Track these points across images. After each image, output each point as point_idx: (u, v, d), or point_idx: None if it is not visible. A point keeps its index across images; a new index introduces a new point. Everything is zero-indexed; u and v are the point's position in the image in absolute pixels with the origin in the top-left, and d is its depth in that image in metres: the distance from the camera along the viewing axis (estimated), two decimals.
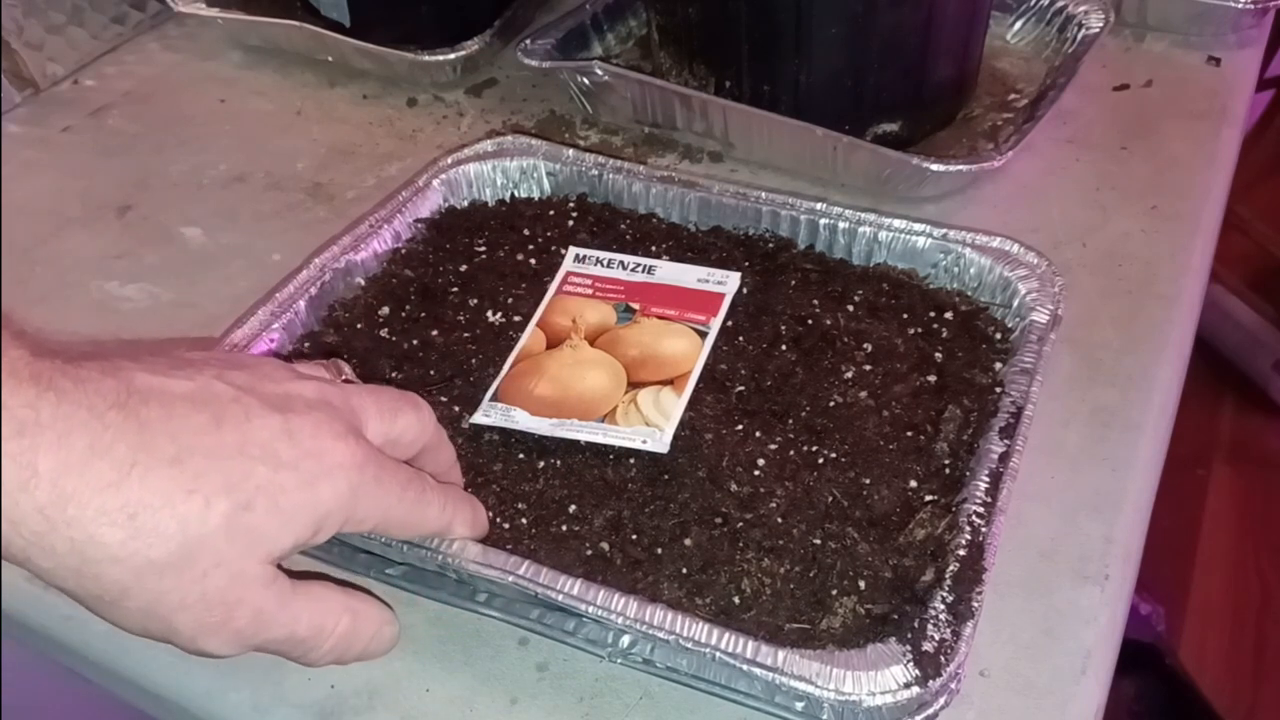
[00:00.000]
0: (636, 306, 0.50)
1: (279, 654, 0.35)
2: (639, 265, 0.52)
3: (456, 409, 0.47)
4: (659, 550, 0.41)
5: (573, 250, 0.54)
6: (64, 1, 0.73)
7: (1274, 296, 1.50)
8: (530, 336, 0.50)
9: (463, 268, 0.54)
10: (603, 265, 0.53)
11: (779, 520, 0.41)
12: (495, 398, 0.47)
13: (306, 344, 0.50)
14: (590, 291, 0.52)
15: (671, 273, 0.52)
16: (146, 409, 0.30)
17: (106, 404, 0.29)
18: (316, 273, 0.52)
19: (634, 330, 0.50)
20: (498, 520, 0.42)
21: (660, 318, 0.50)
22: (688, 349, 0.48)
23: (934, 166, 0.56)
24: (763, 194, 0.54)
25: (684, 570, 0.40)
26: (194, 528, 0.30)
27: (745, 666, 0.35)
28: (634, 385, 0.47)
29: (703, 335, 0.49)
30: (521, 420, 0.45)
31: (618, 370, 0.47)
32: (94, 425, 0.29)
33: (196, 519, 0.30)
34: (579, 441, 0.44)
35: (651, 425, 0.44)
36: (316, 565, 0.43)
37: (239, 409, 0.32)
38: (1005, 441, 0.42)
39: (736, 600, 0.39)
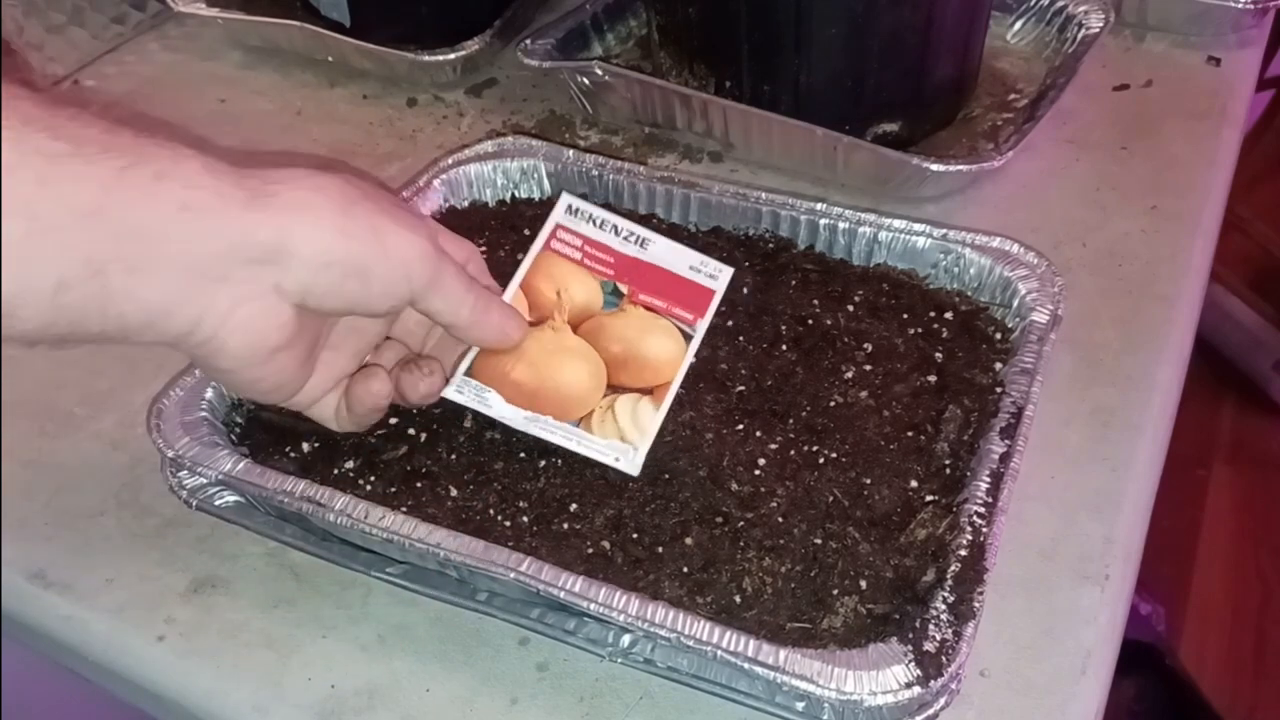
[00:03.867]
0: (625, 290, 0.48)
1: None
2: (633, 235, 0.49)
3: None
4: (660, 549, 0.41)
5: (565, 199, 0.49)
6: (64, 1, 0.73)
7: (1274, 296, 1.50)
8: (512, 298, 0.46)
9: None
10: (595, 225, 0.48)
11: (780, 520, 0.41)
12: (470, 372, 0.44)
13: None
14: (579, 255, 0.48)
15: (664, 251, 0.48)
16: None
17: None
18: None
19: (619, 321, 0.47)
20: (499, 518, 0.42)
21: (648, 307, 0.47)
22: (672, 353, 0.46)
23: (934, 166, 0.56)
24: (763, 194, 0.54)
25: (685, 569, 0.40)
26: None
27: (746, 665, 0.35)
28: (613, 388, 0.45)
29: (688, 338, 0.46)
30: (495, 405, 0.43)
31: (598, 367, 0.45)
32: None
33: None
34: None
35: (627, 441, 0.43)
36: (318, 564, 0.43)
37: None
38: (1006, 441, 0.42)
39: (738, 599, 0.39)
